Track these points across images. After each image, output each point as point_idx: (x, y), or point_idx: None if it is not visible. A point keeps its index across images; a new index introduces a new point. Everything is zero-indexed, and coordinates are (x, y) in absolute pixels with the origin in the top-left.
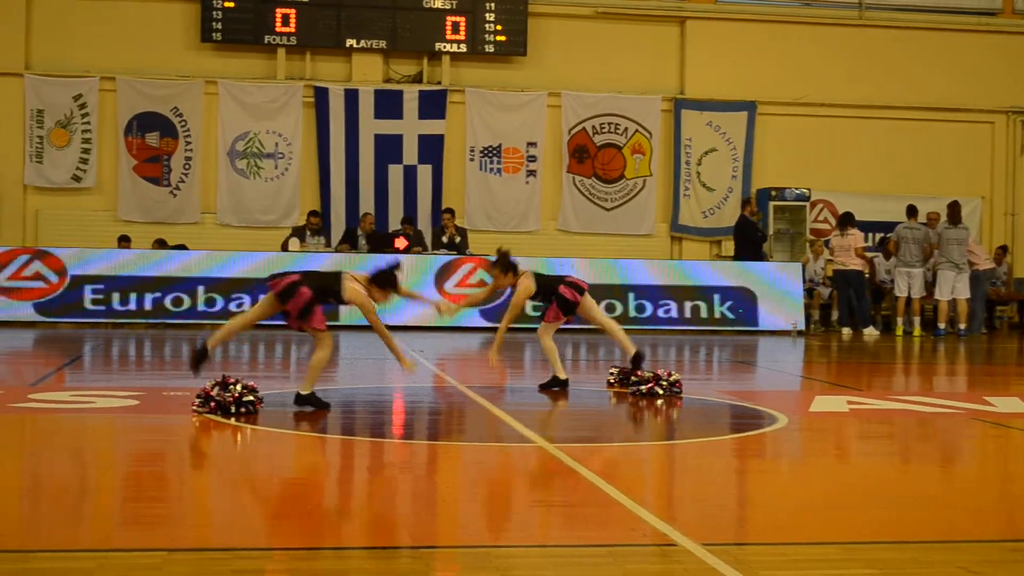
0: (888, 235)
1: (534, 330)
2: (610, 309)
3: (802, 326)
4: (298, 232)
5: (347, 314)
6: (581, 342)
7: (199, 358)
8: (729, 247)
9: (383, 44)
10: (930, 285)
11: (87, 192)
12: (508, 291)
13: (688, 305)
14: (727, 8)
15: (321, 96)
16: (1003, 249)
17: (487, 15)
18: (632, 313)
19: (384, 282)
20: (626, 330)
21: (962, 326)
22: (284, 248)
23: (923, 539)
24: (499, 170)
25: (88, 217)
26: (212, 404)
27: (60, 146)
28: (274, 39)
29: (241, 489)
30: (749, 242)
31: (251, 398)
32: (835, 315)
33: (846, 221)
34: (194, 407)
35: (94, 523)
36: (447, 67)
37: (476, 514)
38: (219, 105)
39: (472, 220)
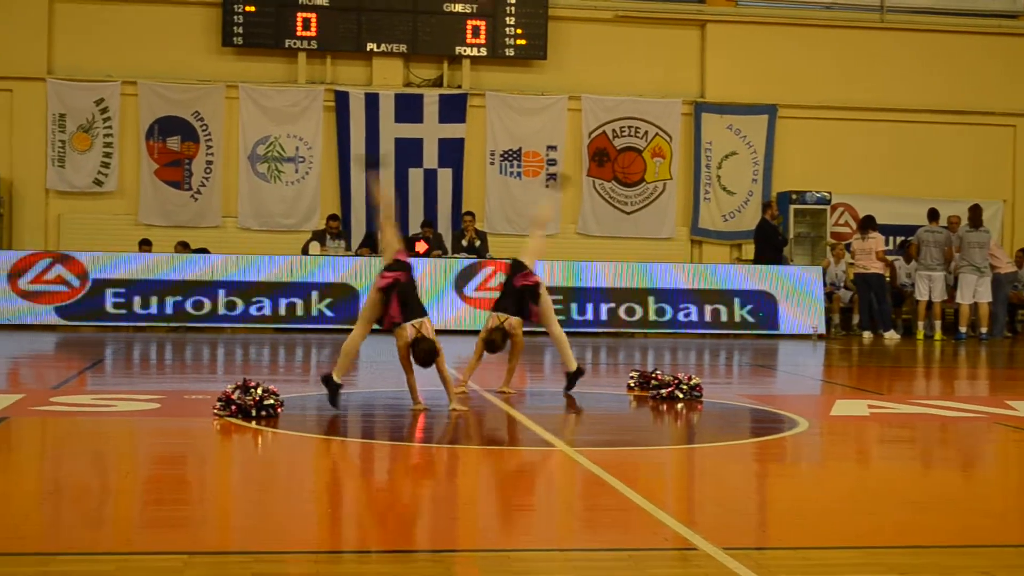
0: (909, 239)
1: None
2: (630, 312)
3: (823, 330)
4: (318, 236)
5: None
6: (601, 346)
7: (333, 391)
8: (749, 250)
9: (403, 48)
10: (951, 289)
11: (109, 196)
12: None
13: (708, 308)
14: (747, 11)
15: (342, 100)
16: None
17: (507, 19)
18: (652, 316)
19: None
20: (646, 334)
21: (983, 330)
22: (304, 252)
23: (944, 543)
24: (519, 174)
25: (109, 221)
26: (233, 407)
27: (82, 150)
28: (295, 43)
29: (262, 492)
30: (769, 245)
31: (272, 401)
32: (856, 319)
33: (867, 224)
34: (215, 410)
35: (115, 526)
36: (467, 71)
37: (496, 518)
38: (240, 109)
39: (492, 224)
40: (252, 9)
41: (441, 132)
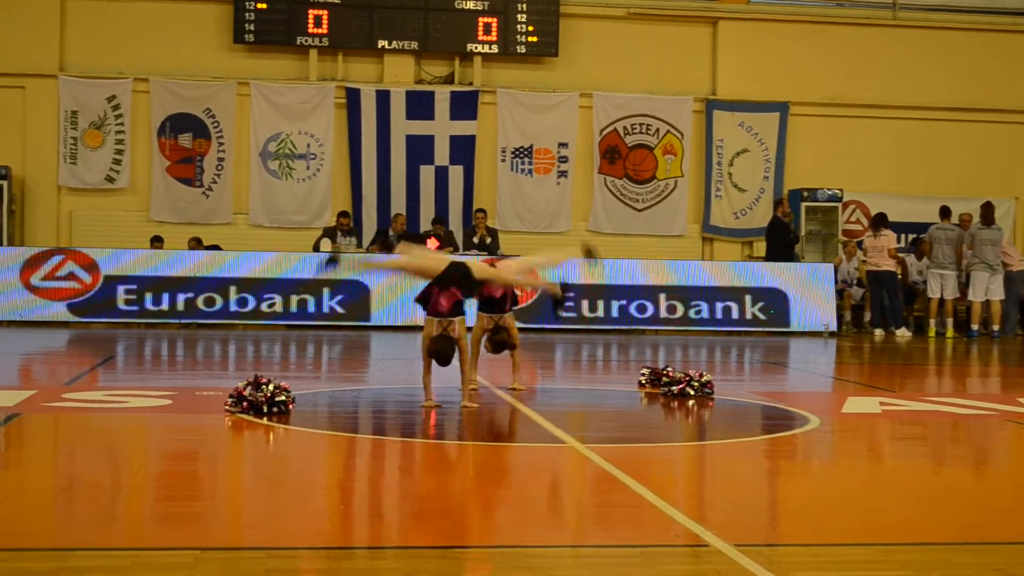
0: (921, 236)
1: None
2: (641, 310)
3: (834, 327)
4: (329, 232)
5: (377, 316)
6: (612, 343)
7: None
8: (761, 248)
9: (415, 45)
10: (963, 286)
11: (120, 193)
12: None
13: (720, 306)
14: (759, 8)
15: (353, 97)
16: None
17: (519, 16)
18: (664, 314)
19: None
20: (657, 331)
21: (995, 327)
22: (316, 249)
23: (956, 541)
24: (530, 171)
25: (121, 218)
26: (245, 404)
27: (94, 147)
28: (306, 40)
29: (274, 488)
30: (781, 243)
31: (283, 398)
32: (867, 316)
33: (879, 222)
34: (227, 407)
35: (128, 522)
36: (479, 68)
37: (507, 514)
38: (251, 106)
39: (503, 221)
40: (264, 6)
41: (452, 129)
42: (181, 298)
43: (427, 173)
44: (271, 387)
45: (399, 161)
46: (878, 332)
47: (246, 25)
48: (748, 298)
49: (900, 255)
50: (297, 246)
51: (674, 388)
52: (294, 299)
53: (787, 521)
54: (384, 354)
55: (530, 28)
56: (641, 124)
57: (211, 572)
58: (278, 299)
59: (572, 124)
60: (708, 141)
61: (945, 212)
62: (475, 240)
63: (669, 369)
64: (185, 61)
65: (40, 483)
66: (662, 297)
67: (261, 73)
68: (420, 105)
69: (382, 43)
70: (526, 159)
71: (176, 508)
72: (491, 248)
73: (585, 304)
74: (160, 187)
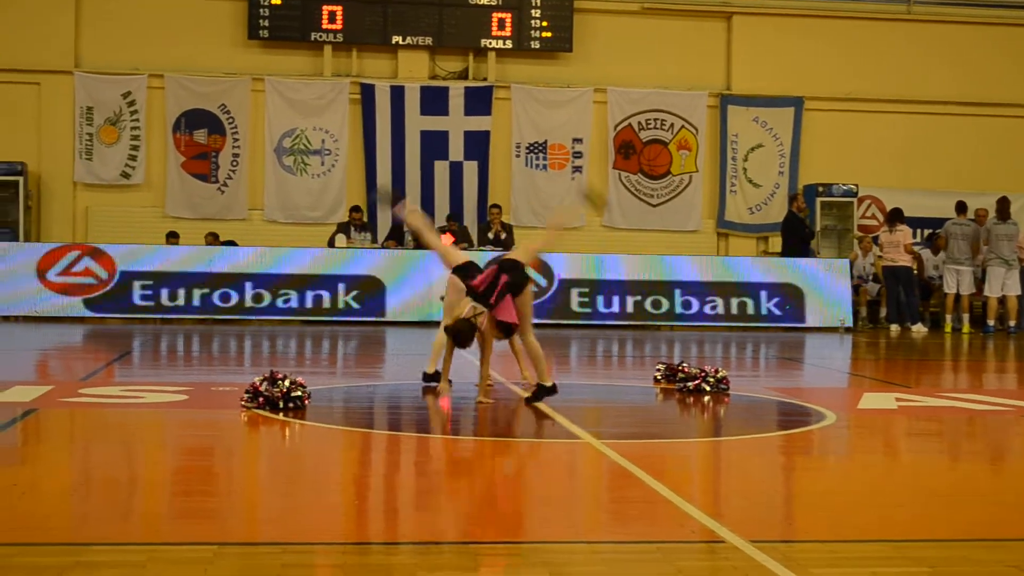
0: (937, 231)
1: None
2: (656, 305)
3: (850, 323)
4: (343, 228)
5: (392, 311)
6: (627, 338)
7: (432, 379)
8: (776, 243)
9: (429, 41)
10: (980, 282)
11: (136, 189)
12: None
13: (735, 301)
14: (773, 3)
15: (367, 93)
16: None
17: (533, 11)
18: (678, 309)
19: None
20: (672, 327)
21: (1012, 323)
22: (331, 244)
23: (973, 537)
24: (545, 166)
25: (137, 214)
26: (260, 399)
27: (109, 143)
28: (321, 36)
29: (290, 484)
30: (796, 238)
31: (299, 393)
32: (883, 312)
33: (895, 217)
34: (243, 402)
35: (144, 517)
36: (493, 64)
37: (523, 510)
38: (266, 102)
39: (518, 216)
40: (278, 2)
41: (467, 125)
42: (197, 294)
43: (441, 169)
44: (287, 382)
45: (413, 157)
46: (894, 328)
47: (260, 21)
48: (763, 294)
49: (916, 250)
50: (312, 242)
51: (689, 384)
52: (309, 294)
53: (803, 517)
54: (399, 349)
55: (544, 23)
56: (656, 119)
57: (228, 567)
58: (293, 294)
59: (586, 119)
60: (723, 136)
61: (961, 207)
62: (490, 236)
63: (684, 365)
64: (200, 57)
65: (57, 478)
66: (677, 293)
67: (276, 69)
68: (434, 101)
69: (396, 39)
70: (540, 154)
71: (192, 503)
72: (506, 244)
73: (600, 299)
74: (175, 183)
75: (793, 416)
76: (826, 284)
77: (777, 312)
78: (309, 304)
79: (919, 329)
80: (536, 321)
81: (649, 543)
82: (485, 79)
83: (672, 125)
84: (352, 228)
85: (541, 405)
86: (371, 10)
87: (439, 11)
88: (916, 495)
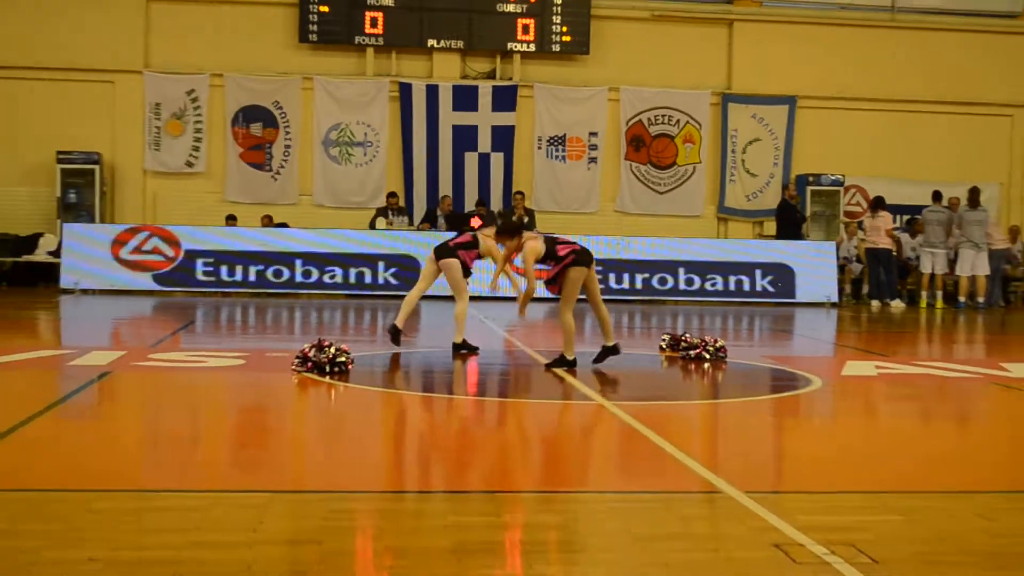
0: (916, 217)
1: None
2: (663, 282)
3: (835, 298)
4: (382, 212)
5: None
6: (636, 312)
7: (395, 334)
8: (770, 227)
9: (461, 44)
10: (952, 263)
11: (198, 176)
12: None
13: (733, 279)
14: (771, 11)
15: (405, 91)
16: (1014, 229)
17: (554, 18)
18: (682, 286)
19: (507, 232)
20: (676, 301)
21: (980, 299)
22: (372, 226)
23: (943, 489)
24: (563, 157)
25: (199, 198)
26: (309, 364)
27: (175, 135)
28: (364, 40)
29: (335, 439)
30: (789, 223)
31: (343, 359)
32: (865, 289)
33: (877, 204)
34: (293, 367)
35: (207, 467)
36: (518, 65)
37: (542, 463)
38: (315, 99)
39: (539, 202)
40: (326, 9)
41: (494, 120)
42: (253, 270)
43: (471, 159)
44: (333, 349)
45: (446, 148)
46: (875, 303)
47: (310, 26)
48: (758, 272)
49: (896, 234)
50: (355, 224)
51: (691, 352)
52: (353, 271)
53: (791, 471)
54: (432, 322)
55: (564, 29)
56: (663, 115)
57: (280, 511)
58: (339, 271)
59: (601, 115)
60: (723, 131)
61: (937, 196)
62: (514, 219)
63: (687, 335)
64: (256, 58)
65: (129, 433)
66: (681, 271)
67: (323, 69)
68: (465, 98)
69: (431, 42)
70: (560, 147)
71: (249, 455)
72: (528, 227)
73: (612, 277)
74: (234, 171)
75: (784, 381)
76: (815, 264)
77: (770, 289)
78: (352, 279)
79: (897, 305)
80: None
81: (655, 493)
82: (511, 79)
83: (678, 121)
84: (390, 212)
85: (560, 371)
86: (409, 16)
87: (470, 17)
88: (893, 452)
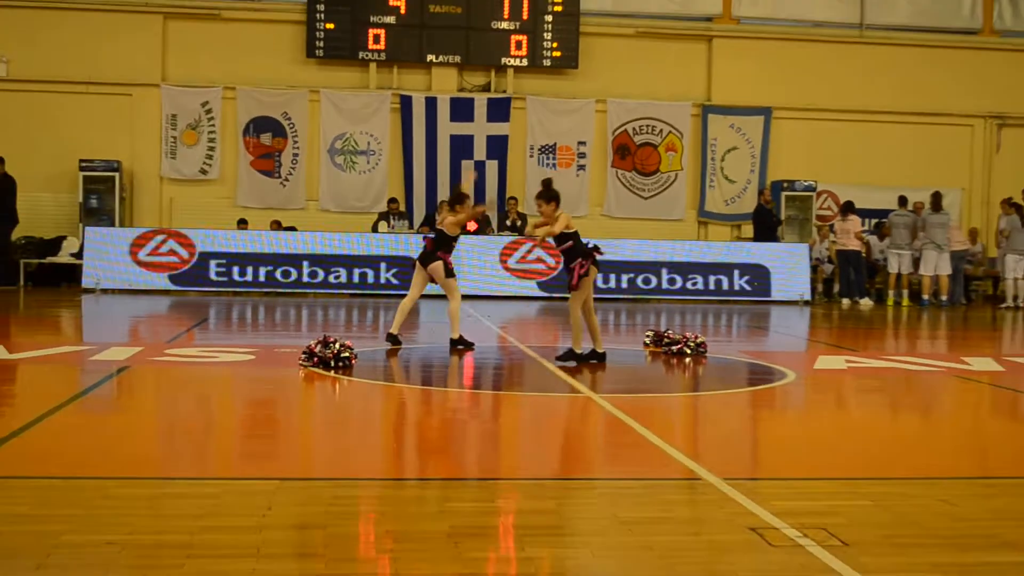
0: (883, 220)
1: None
2: (646, 282)
3: (808, 297)
4: (384, 216)
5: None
6: (622, 310)
7: (393, 342)
8: (748, 230)
9: (458, 59)
10: (916, 262)
11: (212, 183)
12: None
13: (712, 279)
14: (748, 28)
15: (406, 103)
16: (974, 231)
17: (545, 34)
18: (665, 285)
19: (456, 200)
20: (659, 300)
21: (943, 297)
22: (374, 229)
23: (909, 476)
24: (554, 164)
25: (213, 204)
26: (315, 359)
27: (190, 145)
28: (367, 55)
29: (339, 430)
30: (765, 226)
31: (348, 354)
32: (836, 288)
33: (847, 208)
34: (300, 362)
35: (218, 456)
36: (511, 78)
37: (533, 451)
38: (321, 110)
39: (532, 207)
40: (331, 26)
41: (489, 130)
42: (263, 271)
43: (467, 167)
44: (337, 345)
45: (444, 156)
46: (845, 301)
47: (317, 43)
48: (736, 272)
49: (864, 237)
50: (358, 228)
51: (673, 348)
52: (356, 272)
53: (767, 459)
54: (431, 319)
55: (555, 45)
56: (647, 125)
57: (288, 498)
58: (343, 272)
59: (589, 126)
60: (703, 140)
61: (902, 201)
62: (508, 223)
63: (669, 332)
64: (266, 73)
65: (146, 423)
66: (664, 271)
67: (329, 83)
68: (462, 110)
69: (430, 57)
70: (551, 155)
71: (258, 445)
72: (521, 230)
73: (599, 277)
74: (245, 178)
75: (760, 375)
76: (789, 265)
77: (747, 288)
78: (356, 280)
79: (866, 303)
80: (545, 295)
81: (638, 480)
82: (505, 91)
83: (661, 130)
84: (391, 216)
85: (549, 364)
86: (410, 33)
87: (466, 34)
88: (862, 441)
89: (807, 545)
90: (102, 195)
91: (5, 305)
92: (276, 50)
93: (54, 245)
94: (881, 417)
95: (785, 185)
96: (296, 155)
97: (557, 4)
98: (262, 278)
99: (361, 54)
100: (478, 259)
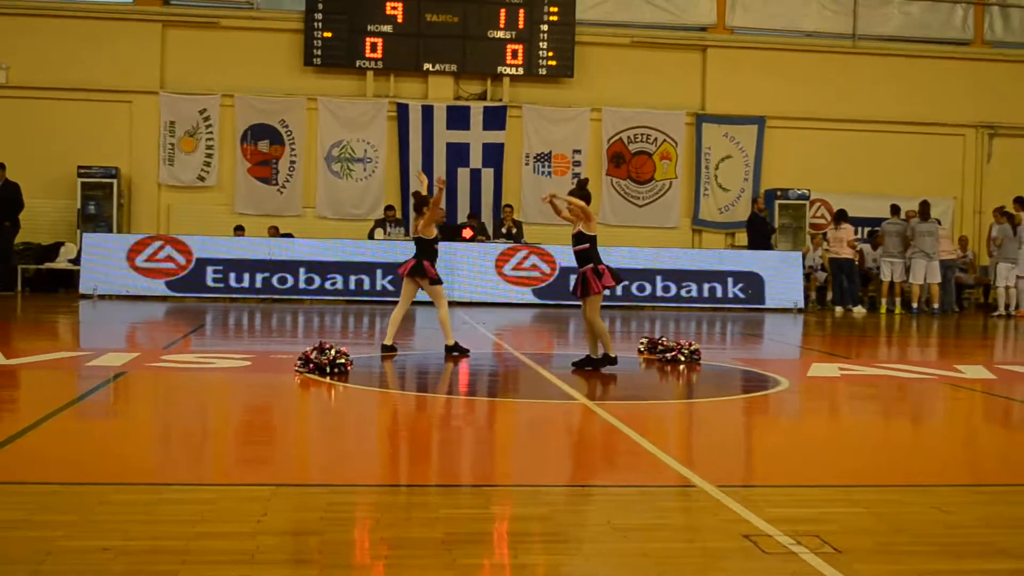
0: (876, 229)
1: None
2: (640, 290)
3: (802, 304)
4: (380, 223)
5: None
6: (617, 317)
7: (387, 350)
8: (741, 238)
9: (454, 68)
10: (907, 271)
11: (210, 189)
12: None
13: (706, 286)
14: (742, 38)
15: (402, 111)
16: (963, 239)
17: (541, 43)
18: (659, 293)
19: (420, 204)
20: (654, 307)
21: (935, 305)
22: (371, 236)
23: (902, 483)
24: (549, 173)
25: (210, 210)
26: (311, 365)
27: (188, 152)
28: (364, 63)
29: (335, 436)
30: (759, 234)
31: (343, 361)
32: (829, 296)
33: (840, 217)
34: (296, 368)
35: (214, 462)
36: (507, 87)
37: (527, 458)
38: (318, 118)
39: (527, 214)
40: (329, 35)
41: (485, 138)
42: (259, 277)
43: (463, 174)
44: (333, 352)
45: (440, 164)
46: (838, 309)
47: (314, 51)
48: (730, 280)
49: (857, 245)
50: (355, 234)
51: (668, 355)
52: (352, 278)
53: (761, 466)
54: (426, 325)
55: (550, 53)
56: (642, 134)
57: (284, 504)
58: (339, 278)
59: (585, 134)
60: (698, 148)
61: (895, 209)
62: (503, 230)
63: (664, 339)
64: (264, 81)
65: (142, 429)
66: (658, 279)
67: (326, 91)
68: (458, 118)
69: (427, 66)
70: (546, 163)
71: (254, 451)
72: (516, 237)
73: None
74: (242, 185)
75: (754, 382)
76: (782, 272)
77: (741, 295)
78: (352, 287)
79: (859, 310)
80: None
81: (632, 487)
82: (500, 100)
83: (656, 139)
84: (387, 223)
85: (544, 372)
86: (406, 42)
87: (463, 43)
88: (855, 448)
89: (800, 552)
90: (100, 201)
91: (3, 311)
92: (274, 58)
93: (52, 251)
94: (874, 424)
95: (779, 194)
96: (293, 162)
97: (553, 14)
98: (259, 284)
99: (358, 62)
100: (473, 266)
